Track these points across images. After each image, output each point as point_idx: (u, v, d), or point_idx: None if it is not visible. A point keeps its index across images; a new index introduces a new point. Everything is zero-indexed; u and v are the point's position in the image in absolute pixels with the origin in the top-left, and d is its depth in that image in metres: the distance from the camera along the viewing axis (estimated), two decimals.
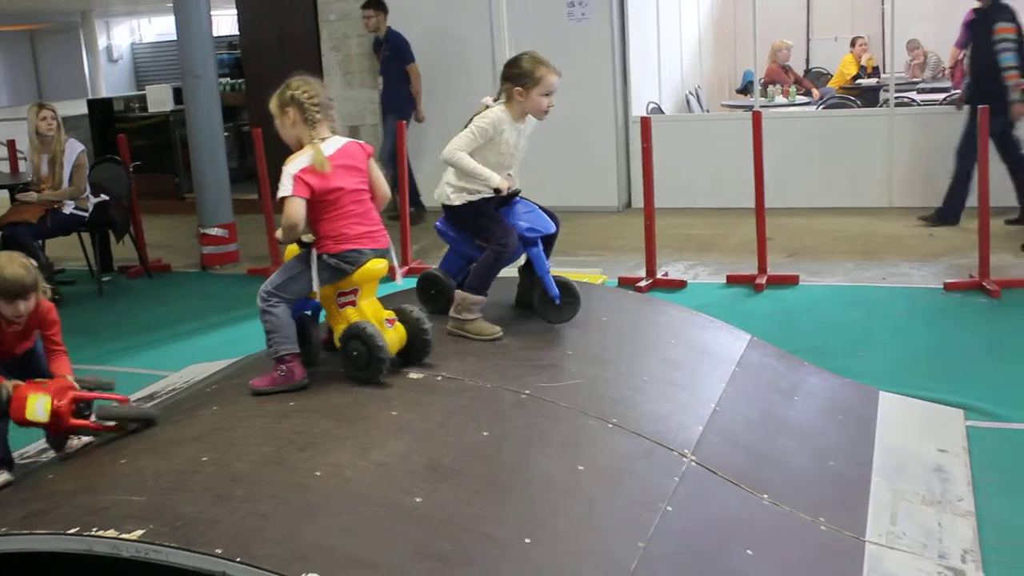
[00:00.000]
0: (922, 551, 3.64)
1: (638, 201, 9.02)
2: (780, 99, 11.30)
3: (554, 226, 4.59)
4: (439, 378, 3.95)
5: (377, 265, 3.96)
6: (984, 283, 6.77)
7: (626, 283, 7.31)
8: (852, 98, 11.45)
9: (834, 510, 3.76)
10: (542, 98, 4.36)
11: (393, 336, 3.94)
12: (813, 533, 3.58)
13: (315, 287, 3.89)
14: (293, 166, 3.84)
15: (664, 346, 4.83)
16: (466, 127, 4.39)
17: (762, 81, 11.47)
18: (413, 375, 3.95)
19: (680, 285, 7.31)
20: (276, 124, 3.98)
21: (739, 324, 5.41)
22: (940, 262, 7.50)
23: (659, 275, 7.40)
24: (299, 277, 3.91)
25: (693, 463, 3.69)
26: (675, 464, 3.65)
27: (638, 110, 10.14)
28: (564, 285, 4.56)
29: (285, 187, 3.81)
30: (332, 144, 3.93)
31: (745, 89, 13.20)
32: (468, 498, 3.16)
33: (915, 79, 12.50)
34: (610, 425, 3.78)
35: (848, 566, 3.47)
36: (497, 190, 4.35)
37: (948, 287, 6.87)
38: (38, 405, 3.79)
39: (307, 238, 3.93)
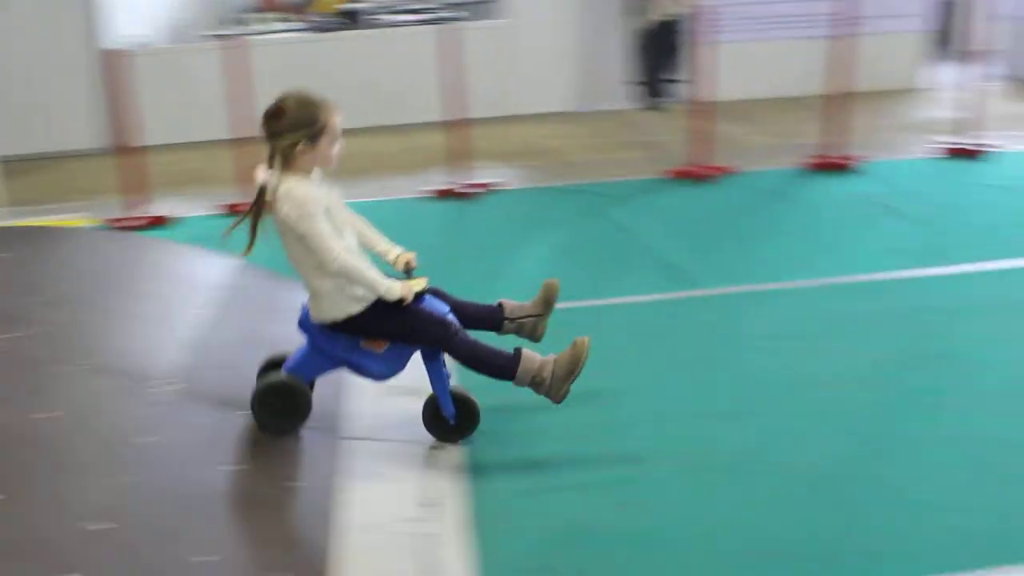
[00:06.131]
0: (406, 437, 3.90)
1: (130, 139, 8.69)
2: (270, 26, 11.26)
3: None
4: None
5: None
6: (458, 188, 7.30)
7: (118, 225, 7.05)
8: (338, 20, 11.65)
9: (317, 414, 3.93)
10: (333, 147, 3.58)
11: None
12: (295, 437, 3.71)
13: None
14: None
15: (148, 282, 4.76)
16: (287, 225, 3.49)
17: (252, 9, 11.38)
18: None
19: (172, 221, 7.16)
20: None
21: (233, 252, 5.41)
22: (421, 174, 7.91)
23: (152, 213, 7.20)
24: None
25: (177, 390, 3.68)
26: (158, 394, 3.63)
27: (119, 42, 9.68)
28: (463, 400, 3.85)
29: None
30: None
31: (236, 18, 13.00)
32: None
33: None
34: (87, 367, 3.68)
35: (330, 462, 3.64)
36: (402, 299, 3.57)
37: (435, 194, 7.30)
38: None
39: None
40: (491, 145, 8.57)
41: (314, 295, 3.64)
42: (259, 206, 3.58)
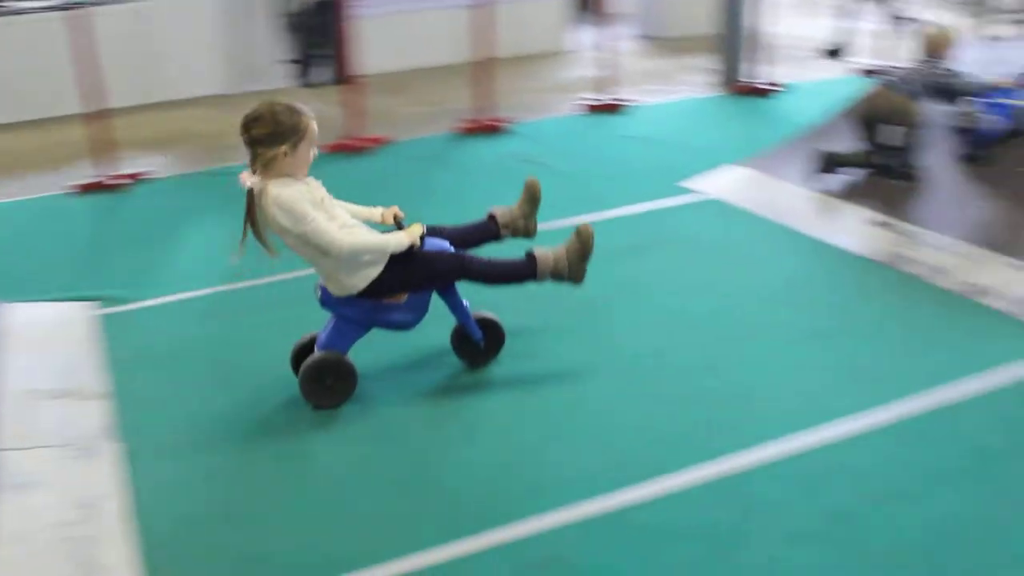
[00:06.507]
0: (58, 441, 3.69)
1: None
2: None
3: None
4: None
5: None
6: (105, 180, 6.94)
7: None
8: None
9: None
10: (312, 150, 3.75)
11: None
12: None
13: None
14: None
15: None
16: (284, 229, 3.69)
17: None
18: None
19: None
20: None
21: None
22: (63, 169, 7.46)
23: None
24: None
25: None
26: None
27: None
28: (487, 323, 4.14)
29: None
30: None
31: None
32: None
33: None
34: None
35: None
36: (412, 245, 3.83)
37: (81, 189, 6.91)
38: None
39: None
40: (138, 134, 8.21)
41: (330, 276, 3.83)
42: (251, 210, 3.72)
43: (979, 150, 5.62)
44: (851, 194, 5.74)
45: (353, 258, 3.75)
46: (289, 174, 3.71)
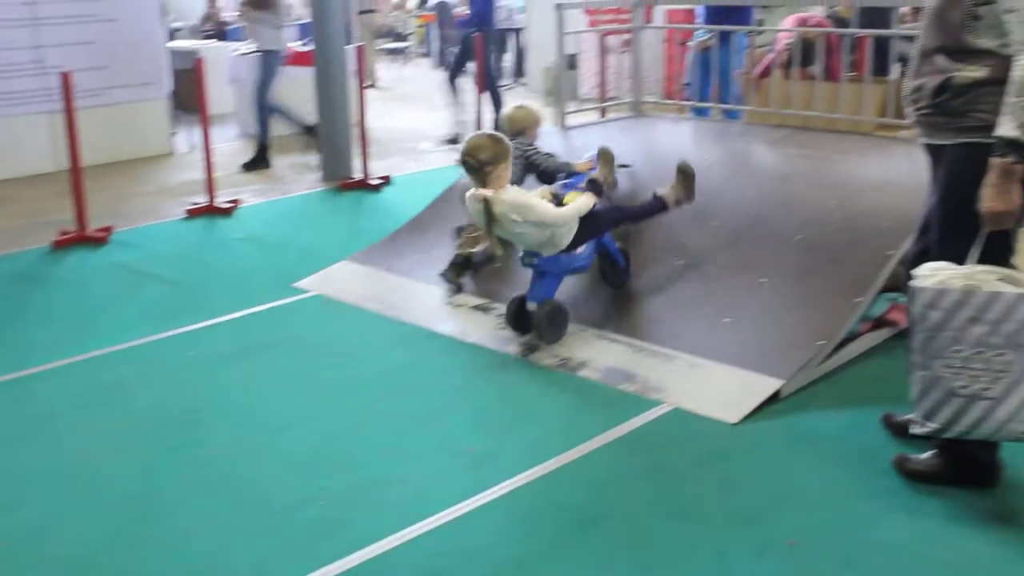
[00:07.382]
0: None
1: None
2: None
3: None
4: None
5: None
6: None
7: None
8: None
9: None
10: (512, 165, 5.14)
11: None
12: None
13: None
14: None
15: None
16: (518, 224, 4.95)
17: None
18: None
19: None
20: None
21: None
22: None
23: None
24: None
25: None
26: None
27: None
28: (625, 253, 5.58)
29: None
30: None
31: None
32: None
33: None
34: None
35: None
36: (593, 205, 5.19)
37: None
38: None
39: None
40: None
41: (549, 242, 5.08)
42: (491, 217, 4.92)
43: None
44: (454, 281, 5.97)
45: (565, 223, 5.03)
46: (503, 184, 4.93)
